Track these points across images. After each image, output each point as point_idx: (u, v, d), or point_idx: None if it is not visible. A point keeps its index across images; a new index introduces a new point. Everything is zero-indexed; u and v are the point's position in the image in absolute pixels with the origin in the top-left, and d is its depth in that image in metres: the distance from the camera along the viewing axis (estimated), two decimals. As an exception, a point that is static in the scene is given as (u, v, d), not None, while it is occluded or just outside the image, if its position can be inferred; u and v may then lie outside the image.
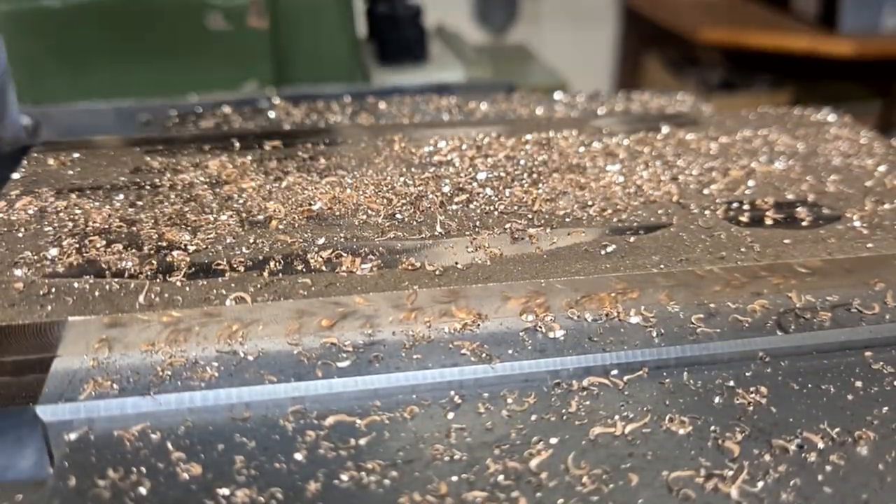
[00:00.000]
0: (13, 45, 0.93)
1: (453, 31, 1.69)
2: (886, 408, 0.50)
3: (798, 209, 0.67)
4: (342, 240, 0.60)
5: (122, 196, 0.66)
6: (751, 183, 0.72)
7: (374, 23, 1.43)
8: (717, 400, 0.51)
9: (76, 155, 0.74)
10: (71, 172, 0.71)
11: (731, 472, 0.45)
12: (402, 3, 1.39)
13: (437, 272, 0.56)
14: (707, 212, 0.66)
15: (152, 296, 0.53)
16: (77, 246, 0.58)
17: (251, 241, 0.60)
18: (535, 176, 0.72)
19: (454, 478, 0.44)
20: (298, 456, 0.45)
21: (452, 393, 0.51)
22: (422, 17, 1.40)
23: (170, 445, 0.46)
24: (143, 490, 0.43)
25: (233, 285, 0.54)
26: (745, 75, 2.62)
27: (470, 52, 1.52)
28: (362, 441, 0.47)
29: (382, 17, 1.39)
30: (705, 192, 0.70)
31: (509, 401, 0.50)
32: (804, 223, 0.65)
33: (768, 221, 0.65)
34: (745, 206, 0.67)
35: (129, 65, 1.16)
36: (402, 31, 1.38)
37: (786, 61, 2.50)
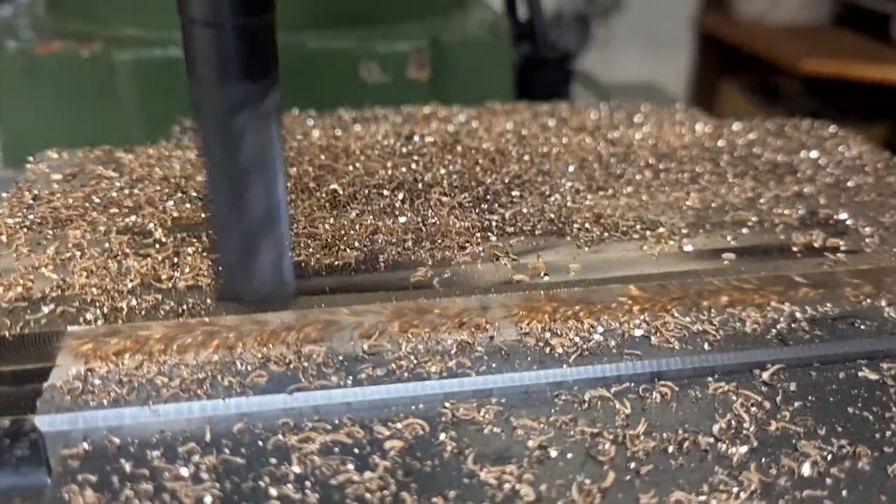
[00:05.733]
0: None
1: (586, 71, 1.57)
2: (887, 420, 0.50)
3: (798, 222, 0.67)
4: (343, 250, 0.61)
5: None
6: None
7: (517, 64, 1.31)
8: (717, 412, 0.50)
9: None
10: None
11: (731, 486, 0.44)
12: (547, 45, 1.31)
13: (438, 282, 0.56)
14: (708, 225, 0.67)
15: (153, 305, 0.53)
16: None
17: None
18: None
19: (452, 492, 0.44)
20: (297, 467, 0.45)
21: (452, 403, 0.51)
22: (570, 61, 1.32)
23: (168, 456, 0.46)
24: (141, 501, 0.42)
25: (232, 295, 0.54)
26: (835, 108, 2.38)
27: (607, 93, 1.42)
28: (361, 451, 0.46)
29: (528, 59, 1.30)
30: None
31: (510, 412, 0.50)
32: (805, 236, 0.65)
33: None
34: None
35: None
36: (547, 75, 1.29)
37: (879, 94, 2.28)
